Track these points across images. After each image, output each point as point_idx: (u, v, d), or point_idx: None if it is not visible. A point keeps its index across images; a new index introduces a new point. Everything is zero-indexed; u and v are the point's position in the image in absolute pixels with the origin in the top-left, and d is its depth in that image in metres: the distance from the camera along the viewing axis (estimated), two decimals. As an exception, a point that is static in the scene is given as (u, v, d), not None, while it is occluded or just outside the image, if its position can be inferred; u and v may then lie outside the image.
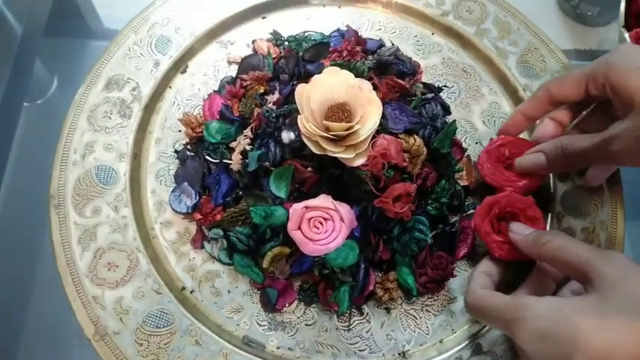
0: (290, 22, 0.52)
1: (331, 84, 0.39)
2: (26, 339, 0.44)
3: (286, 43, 0.50)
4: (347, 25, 0.51)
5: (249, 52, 0.50)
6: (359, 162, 0.38)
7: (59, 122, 0.54)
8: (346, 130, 0.38)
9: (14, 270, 0.47)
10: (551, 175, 0.45)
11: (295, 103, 0.39)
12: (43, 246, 0.42)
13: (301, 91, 0.39)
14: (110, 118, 0.46)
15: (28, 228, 0.48)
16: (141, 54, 0.49)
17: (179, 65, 0.49)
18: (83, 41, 0.70)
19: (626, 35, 0.45)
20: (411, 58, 0.50)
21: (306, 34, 0.50)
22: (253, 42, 0.50)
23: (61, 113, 0.57)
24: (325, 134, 0.38)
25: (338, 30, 0.51)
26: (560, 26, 0.76)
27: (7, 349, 0.44)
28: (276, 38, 0.50)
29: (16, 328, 0.44)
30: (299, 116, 0.38)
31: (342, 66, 0.43)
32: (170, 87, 0.48)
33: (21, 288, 0.46)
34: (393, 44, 0.50)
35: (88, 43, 0.70)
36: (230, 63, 0.50)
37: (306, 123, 0.38)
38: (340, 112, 0.39)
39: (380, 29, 0.53)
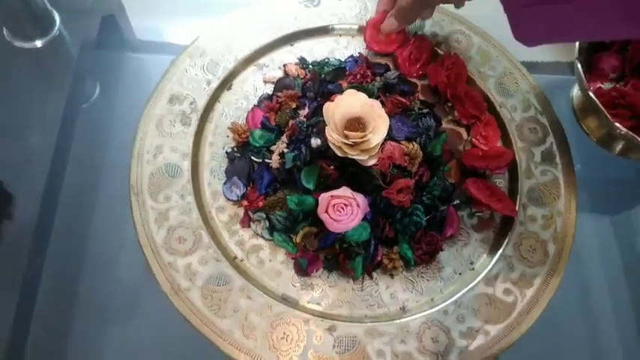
0: (313, 49, 0.64)
1: (350, 102, 0.51)
2: (114, 295, 0.56)
3: (311, 66, 0.62)
4: (359, 52, 0.63)
5: (280, 73, 0.62)
6: (371, 162, 0.50)
7: (104, 124, 0.65)
8: (361, 138, 0.50)
9: (106, 247, 0.59)
10: (519, 169, 0.58)
11: (320, 116, 0.51)
12: (128, 225, 0.54)
13: (327, 108, 0.51)
14: (174, 126, 0.58)
15: (115, 212, 0.60)
16: (195, 74, 0.61)
17: (225, 84, 0.61)
18: (121, 53, 0.82)
19: (579, 67, 0.57)
20: (410, 80, 0.62)
21: (327, 59, 0.62)
22: (284, 66, 0.62)
23: (103, 116, 0.68)
24: (345, 141, 0.50)
25: (352, 56, 0.63)
26: None
27: (99, 305, 0.57)
28: (303, 63, 0.63)
29: (106, 289, 0.57)
30: (326, 127, 0.50)
31: (358, 88, 0.55)
32: (219, 101, 0.61)
33: (110, 259, 0.58)
34: (396, 68, 0.62)
35: (123, 55, 0.82)
36: (265, 82, 0.62)
37: (332, 132, 0.50)
38: (357, 124, 0.50)
39: (386, 55, 0.65)
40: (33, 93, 0.70)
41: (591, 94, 0.55)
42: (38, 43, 0.72)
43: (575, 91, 0.65)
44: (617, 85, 0.60)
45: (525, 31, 0.42)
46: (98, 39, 0.78)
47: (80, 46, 0.75)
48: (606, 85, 0.60)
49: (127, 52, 0.83)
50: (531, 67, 0.80)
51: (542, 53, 0.86)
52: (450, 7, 0.64)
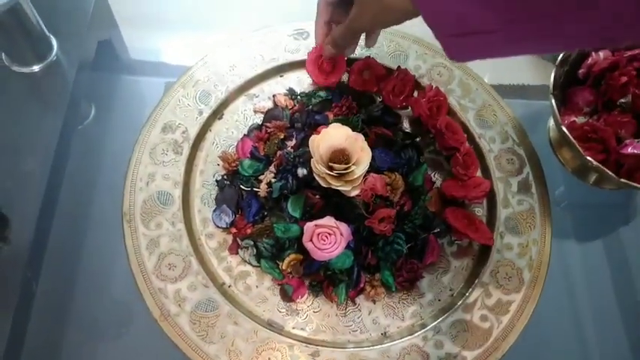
0: (302, 80, 0.67)
1: (335, 135, 0.54)
2: (103, 322, 0.58)
3: (299, 97, 0.65)
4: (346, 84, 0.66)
5: (270, 103, 0.65)
6: (354, 193, 0.53)
7: (99, 146, 0.67)
8: (345, 169, 0.52)
9: (98, 270, 0.61)
10: (497, 198, 0.61)
11: (307, 147, 0.54)
12: (120, 246, 0.56)
13: (313, 140, 0.53)
14: (166, 154, 0.60)
15: (107, 234, 0.61)
16: (188, 104, 0.63)
17: (217, 113, 0.64)
18: (116, 76, 0.84)
19: (553, 102, 0.60)
20: (394, 111, 0.65)
21: (314, 91, 0.65)
22: (274, 96, 0.65)
23: (98, 138, 0.70)
24: (330, 172, 0.52)
25: (337, 82, 0.65)
26: (532, 64, 0.90)
27: (89, 328, 0.58)
28: (291, 93, 0.65)
29: (98, 308, 0.58)
30: (312, 159, 0.53)
31: (342, 121, 0.57)
32: (210, 130, 0.63)
33: (102, 283, 0.60)
34: (381, 100, 0.65)
35: (118, 78, 0.85)
36: (255, 112, 0.64)
37: (317, 164, 0.52)
38: (341, 156, 0.53)
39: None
40: (30, 117, 0.72)
41: (564, 129, 0.58)
42: (35, 68, 0.74)
43: (551, 123, 0.68)
44: (590, 120, 0.63)
45: (457, 53, 0.44)
46: (94, 63, 0.80)
47: (77, 71, 0.77)
48: (580, 119, 0.63)
49: (122, 74, 0.85)
50: (514, 91, 0.83)
51: (527, 77, 0.88)
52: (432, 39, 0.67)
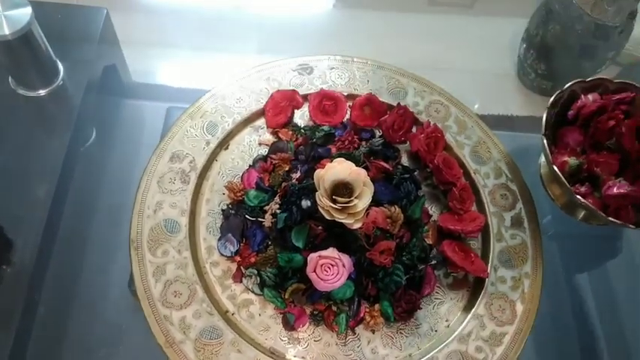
0: (305, 114, 0.69)
1: (338, 170, 0.56)
2: (103, 345, 0.59)
3: (302, 131, 0.67)
4: (347, 119, 0.69)
5: (274, 135, 0.67)
6: (357, 225, 0.54)
7: (100, 168, 0.68)
8: (348, 203, 0.55)
9: (99, 292, 0.62)
10: (491, 232, 0.63)
11: (311, 179, 0.56)
12: (119, 270, 0.57)
13: (318, 174, 0.55)
14: (174, 183, 0.61)
15: (107, 260, 0.62)
16: (195, 135, 0.65)
17: (223, 144, 0.66)
18: (119, 100, 0.86)
19: (545, 142, 0.63)
20: (393, 146, 0.67)
21: (318, 125, 0.67)
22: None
23: (99, 160, 0.71)
24: (333, 205, 0.54)
25: (341, 122, 0.68)
26: (520, 96, 0.94)
27: (88, 351, 0.59)
28: (295, 127, 0.67)
29: (96, 336, 0.59)
30: (316, 193, 0.55)
31: (345, 156, 0.60)
32: (216, 160, 0.65)
33: (102, 305, 0.61)
34: (381, 135, 0.68)
35: (121, 102, 0.87)
36: (260, 144, 0.67)
37: (321, 198, 0.54)
38: (344, 189, 0.55)
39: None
40: (35, 140, 0.73)
41: (556, 168, 0.61)
42: (42, 92, 0.75)
43: (542, 160, 0.71)
44: (581, 160, 0.65)
45: None
46: (99, 87, 0.82)
47: (82, 96, 0.79)
48: (572, 161, 0.65)
49: (125, 99, 0.88)
50: (502, 122, 0.85)
51: (513, 107, 0.92)
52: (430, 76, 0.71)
